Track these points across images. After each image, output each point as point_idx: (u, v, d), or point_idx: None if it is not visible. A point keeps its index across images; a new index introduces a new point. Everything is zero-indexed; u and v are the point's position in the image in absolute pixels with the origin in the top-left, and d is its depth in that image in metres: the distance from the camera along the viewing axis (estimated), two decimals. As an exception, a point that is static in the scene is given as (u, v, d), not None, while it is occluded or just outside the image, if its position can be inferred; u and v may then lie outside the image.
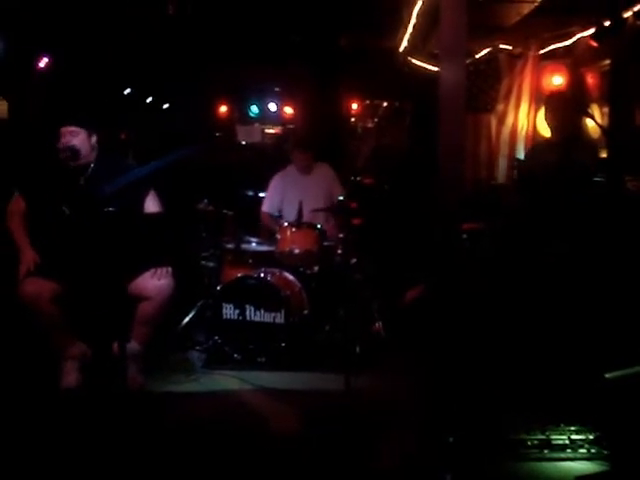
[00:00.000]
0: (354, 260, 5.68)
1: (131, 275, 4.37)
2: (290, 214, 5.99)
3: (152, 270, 4.37)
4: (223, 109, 12.84)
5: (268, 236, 6.04)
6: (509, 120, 7.11)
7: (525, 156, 5.05)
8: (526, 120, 6.96)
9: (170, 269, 4.45)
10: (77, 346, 4.44)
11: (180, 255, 4.35)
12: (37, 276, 4.27)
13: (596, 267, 4.01)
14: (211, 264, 5.90)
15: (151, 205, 4.64)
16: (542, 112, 6.85)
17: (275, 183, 6.36)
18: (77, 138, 4.42)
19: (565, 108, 4.58)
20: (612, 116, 5.86)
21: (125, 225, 4.13)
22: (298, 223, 5.74)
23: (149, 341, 4.49)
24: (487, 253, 4.41)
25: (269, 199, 6.34)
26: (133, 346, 4.39)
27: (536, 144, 5.97)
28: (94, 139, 4.51)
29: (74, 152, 4.40)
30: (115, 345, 4.27)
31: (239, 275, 5.41)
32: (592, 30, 5.89)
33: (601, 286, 3.98)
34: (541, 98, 6.88)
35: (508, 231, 4.40)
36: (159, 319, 4.48)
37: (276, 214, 6.20)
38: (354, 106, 12.11)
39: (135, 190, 4.51)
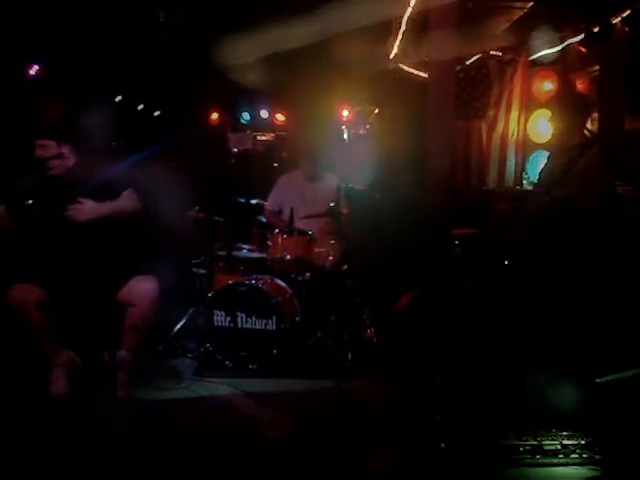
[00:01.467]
0: (345, 267, 5.67)
1: (116, 283, 4.39)
2: (287, 216, 5.99)
3: (135, 277, 4.40)
4: (215, 116, 12.86)
5: (261, 240, 6.06)
6: (500, 126, 7.13)
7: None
8: (516, 126, 6.98)
9: (153, 275, 4.47)
10: (65, 353, 4.44)
11: (161, 258, 4.36)
12: (25, 282, 4.29)
13: (587, 273, 4.02)
14: (202, 271, 5.89)
15: (124, 201, 4.61)
16: (533, 118, 6.92)
17: (280, 184, 6.41)
18: (47, 150, 4.49)
19: (573, 109, 4.52)
20: (601, 121, 5.89)
21: (100, 225, 4.27)
22: (289, 230, 5.74)
23: (138, 349, 4.48)
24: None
25: (272, 198, 6.38)
26: (122, 354, 4.38)
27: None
28: (66, 149, 4.55)
29: (45, 163, 4.49)
30: (105, 353, 4.28)
31: (230, 282, 5.40)
32: (581, 36, 5.93)
33: (592, 292, 3.99)
34: (531, 104, 6.92)
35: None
36: (147, 325, 4.47)
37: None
38: (345, 113, 12.10)
39: (113, 191, 4.53)
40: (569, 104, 4.51)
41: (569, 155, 4.26)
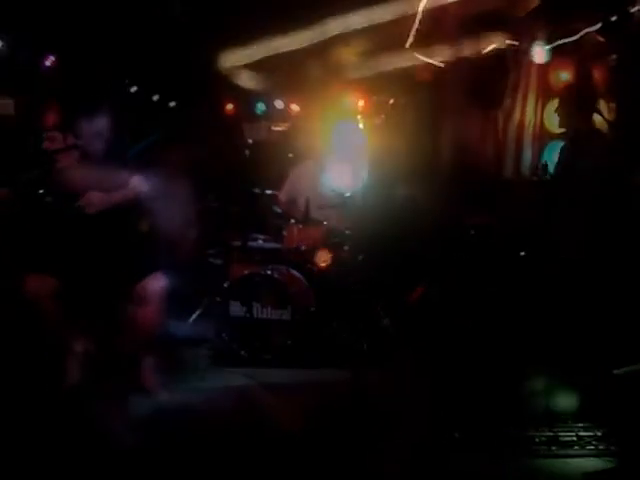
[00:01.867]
0: (361, 257, 5.67)
1: (129, 277, 4.42)
2: (301, 207, 6.00)
3: (147, 275, 4.42)
4: (230, 107, 12.86)
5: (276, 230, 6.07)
6: (516, 115, 7.09)
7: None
8: (533, 115, 6.93)
9: (163, 272, 4.49)
10: (81, 343, 4.47)
11: (173, 253, 4.36)
12: (39, 272, 4.33)
13: (602, 263, 3.99)
14: (218, 261, 5.91)
15: (131, 189, 4.62)
16: (550, 107, 6.86)
17: (292, 176, 6.43)
18: (55, 142, 4.53)
19: (577, 101, 4.51)
20: (619, 111, 5.84)
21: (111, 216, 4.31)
22: (305, 220, 5.74)
23: (153, 342, 4.49)
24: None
25: (285, 190, 6.40)
26: (137, 347, 4.43)
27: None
28: (70, 140, 4.57)
29: (54, 155, 4.51)
30: (121, 346, 4.32)
31: (246, 272, 5.42)
32: (598, 25, 5.87)
33: (608, 283, 3.97)
34: (548, 93, 6.86)
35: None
36: (158, 322, 4.49)
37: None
38: (360, 103, 12.04)
39: (121, 180, 4.55)
40: (571, 94, 4.51)
41: (575, 146, 4.26)
